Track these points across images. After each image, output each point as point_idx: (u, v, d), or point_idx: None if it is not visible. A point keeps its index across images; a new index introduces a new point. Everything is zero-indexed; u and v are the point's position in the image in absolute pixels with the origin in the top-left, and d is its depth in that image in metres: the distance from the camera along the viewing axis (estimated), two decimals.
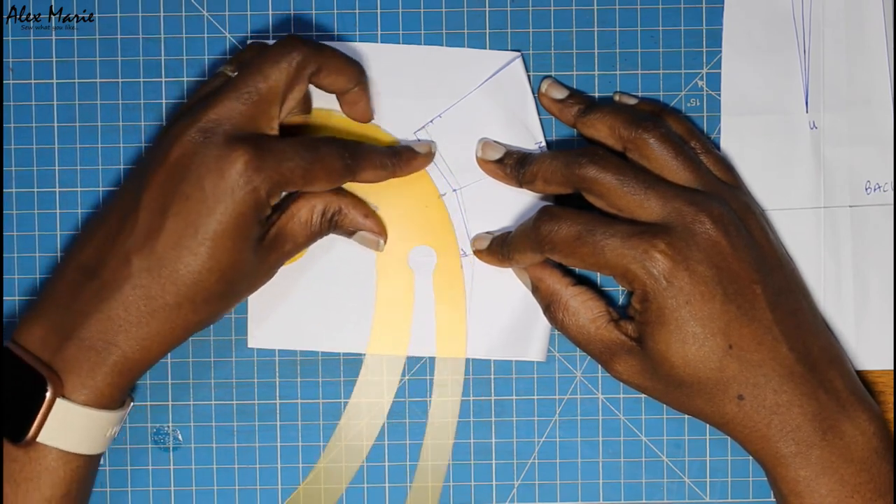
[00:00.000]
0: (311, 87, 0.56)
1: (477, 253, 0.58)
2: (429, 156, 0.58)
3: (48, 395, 0.50)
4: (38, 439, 0.51)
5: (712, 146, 0.58)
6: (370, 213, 0.57)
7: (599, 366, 0.56)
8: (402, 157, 0.57)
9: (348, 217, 0.56)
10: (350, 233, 0.57)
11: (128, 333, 0.51)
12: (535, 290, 0.57)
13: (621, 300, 0.59)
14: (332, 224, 0.56)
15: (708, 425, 0.59)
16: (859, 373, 0.59)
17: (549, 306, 0.56)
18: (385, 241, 0.58)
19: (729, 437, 0.54)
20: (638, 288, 0.52)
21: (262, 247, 0.53)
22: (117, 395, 0.52)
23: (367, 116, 0.58)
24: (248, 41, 0.58)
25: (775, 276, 0.54)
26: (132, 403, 0.56)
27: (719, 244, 0.52)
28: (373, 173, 0.56)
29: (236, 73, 0.53)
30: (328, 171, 0.53)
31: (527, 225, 0.55)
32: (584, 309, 0.55)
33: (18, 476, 0.51)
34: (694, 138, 0.57)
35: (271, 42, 0.57)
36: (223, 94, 0.52)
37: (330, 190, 0.55)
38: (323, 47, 0.54)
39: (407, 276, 0.59)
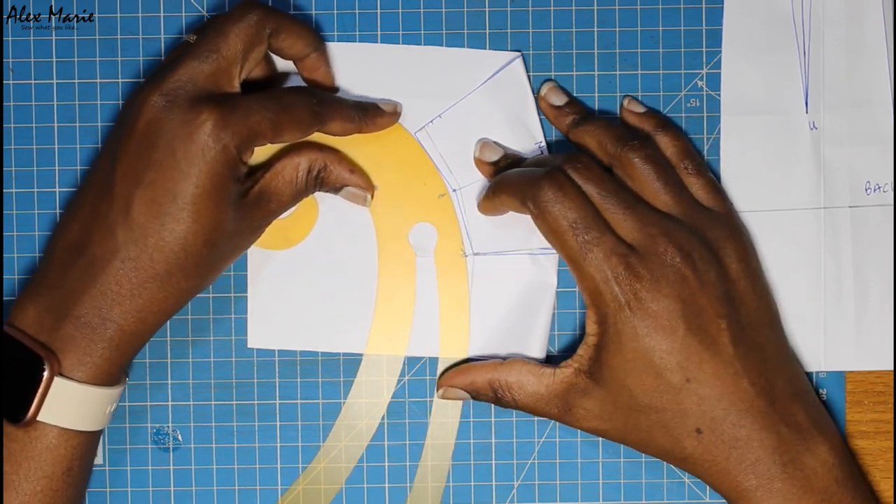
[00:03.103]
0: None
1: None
2: (394, 115, 0.58)
3: (45, 374, 0.51)
4: (38, 418, 0.51)
5: (705, 168, 0.57)
6: (356, 168, 0.57)
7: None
8: (368, 113, 0.57)
9: (333, 173, 0.56)
10: (336, 189, 0.57)
11: (122, 307, 0.52)
12: (476, 394, 0.57)
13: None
14: (317, 181, 0.56)
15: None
16: (859, 373, 0.59)
17: (497, 393, 0.56)
18: (372, 196, 0.58)
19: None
20: (600, 308, 0.53)
21: (244, 205, 0.53)
22: (115, 371, 0.53)
23: (329, 81, 0.58)
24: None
25: (743, 311, 0.54)
26: (128, 381, 0.56)
27: (687, 278, 0.53)
28: (341, 124, 0.56)
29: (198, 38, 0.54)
30: (296, 120, 0.53)
31: (532, 176, 0.54)
32: (523, 376, 0.55)
33: (19, 455, 0.52)
34: (688, 158, 0.57)
35: None
36: (184, 57, 0.52)
37: (314, 147, 0.56)
38: (280, 11, 0.55)
39: (408, 270, 0.59)
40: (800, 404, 0.54)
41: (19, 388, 0.51)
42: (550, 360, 0.58)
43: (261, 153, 0.56)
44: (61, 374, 0.51)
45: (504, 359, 0.57)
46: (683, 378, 0.52)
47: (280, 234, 0.59)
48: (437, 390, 0.58)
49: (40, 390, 0.51)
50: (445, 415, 0.59)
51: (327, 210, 0.59)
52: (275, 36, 0.54)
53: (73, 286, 0.52)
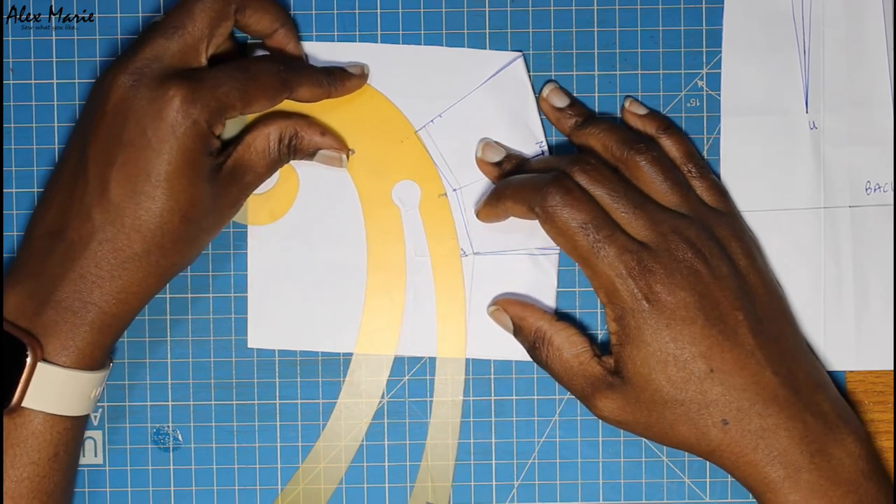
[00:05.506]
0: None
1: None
2: (362, 77, 0.58)
3: (29, 359, 0.51)
4: (23, 404, 0.51)
5: (709, 171, 0.58)
6: (327, 130, 0.57)
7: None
8: (336, 77, 0.57)
9: (305, 138, 0.56)
10: (311, 154, 0.57)
11: (102, 289, 0.52)
12: (518, 330, 0.57)
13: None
14: (290, 149, 0.56)
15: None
16: (859, 373, 0.59)
17: (534, 343, 0.56)
18: (347, 157, 0.58)
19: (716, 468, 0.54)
20: (617, 304, 0.53)
21: (219, 179, 0.53)
22: (98, 355, 0.53)
23: (299, 56, 0.58)
24: (248, 41, 0.58)
25: (758, 304, 0.54)
26: (112, 364, 0.56)
27: (700, 273, 0.53)
28: (309, 90, 0.56)
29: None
30: (264, 88, 0.54)
31: (538, 182, 0.54)
32: (568, 344, 0.55)
33: (5, 442, 0.52)
34: (691, 161, 0.57)
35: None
36: (150, 36, 0.53)
37: (283, 115, 0.56)
38: None
39: (396, 226, 0.59)
40: (823, 394, 0.54)
41: (3, 375, 0.51)
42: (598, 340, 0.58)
43: (233, 128, 0.56)
44: (45, 360, 0.51)
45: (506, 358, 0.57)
46: (707, 368, 0.52)
47: (264, 209, 0.59)
48: (490, 306, 0.58)
49: (24, 376, 0.51)
50: (446, 415, 0.59)
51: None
52: (241, 12, 0.55)
53: (53, 272, 0.52)
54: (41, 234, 0.53)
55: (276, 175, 0.58)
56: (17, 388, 0.51)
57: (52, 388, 0.52)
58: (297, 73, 0.55)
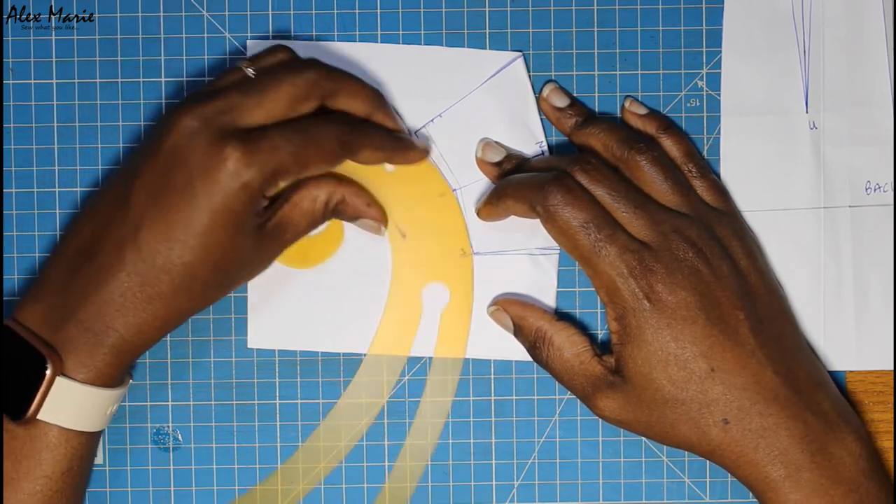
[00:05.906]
0: None
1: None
2: (425, 151, 0.58)
3: (48, 372, 0.51)
4: (39, 417, 0.51)
5: (709, 170, 0.58)
6: (372, 201, 0.57)
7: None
8: (400, 143, 0.56)
9: (350, 205, 0.56)
10: (352, 219, 0.57)
11: (125, 318, 0.52)
12: (519, 329, 0.57)
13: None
14: (333, 212, 0.56)
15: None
16: (859, 373, 0.59)
17: (535, 343, 0.56)
18: (386, 227, 0.58)
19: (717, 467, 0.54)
20: (618, 304, 0.53)
21: (261, 236, 0.53)
22: (116, 374, 0.53)
23: (398, 129, 0.57)
24: (271, 40, 0.58)
25: (759, 303, 0.54)
26: (131, 381, 0.56)
27: (701, 272, 0.53)
28: (371, 153, 0.55)
29: (255, 75, 0.53)
30: (323, 153, 0.53)
31: (539, 180, 0.54)
32: (568, 343, 0.55)
33: (19, 453, 0.52)
34: (692, 161, 0.57)
35: (274, 41, 0.57)
36: (231, 90, 0.52)
37: (333, 178, 0.56)
38: (341, 71, 0.55)
39: (411, 326, 0.59)
40: (824, 394, 0.54)
41: (21, 386, 0.51)
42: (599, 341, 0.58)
43: None
44: (63, 374, 0.51)
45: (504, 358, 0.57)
46: (708, 367, 0.52)
47: (300, 254, 0.58)
48: (490, 306, 0.58)
49: (42, 389, 0.51)
50: (446, 415, 0.59)
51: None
52: (332, 98, 0.54)
53: (80, 289, 0.52)
54: (76, 247, 0.52)
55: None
56: (34, 399, 0.51)
57: (68, 403, 0.52)
58: (360, 136, 0.54)
